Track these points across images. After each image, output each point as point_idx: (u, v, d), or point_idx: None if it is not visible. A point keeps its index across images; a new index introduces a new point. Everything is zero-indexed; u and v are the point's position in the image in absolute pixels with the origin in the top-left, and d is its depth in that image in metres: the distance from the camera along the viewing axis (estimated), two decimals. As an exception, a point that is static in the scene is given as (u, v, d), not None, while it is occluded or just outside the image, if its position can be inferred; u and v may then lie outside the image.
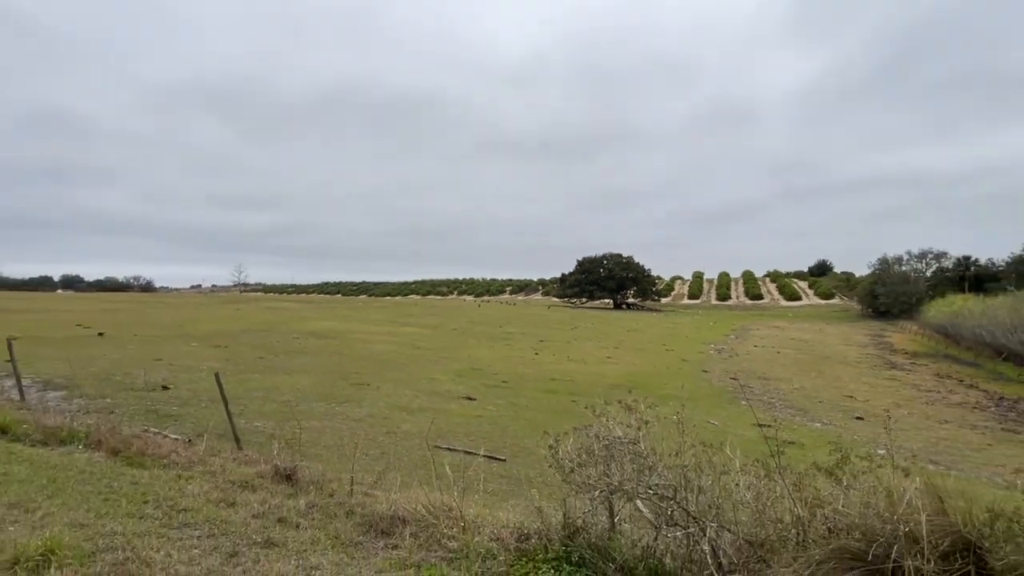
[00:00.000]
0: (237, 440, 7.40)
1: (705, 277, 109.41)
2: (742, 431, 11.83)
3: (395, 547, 4.09)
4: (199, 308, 45.35)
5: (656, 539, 3.42)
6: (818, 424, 15.02)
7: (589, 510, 3.71)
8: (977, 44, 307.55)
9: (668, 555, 3.36)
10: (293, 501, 4.95)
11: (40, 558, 3.30)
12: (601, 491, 3.52)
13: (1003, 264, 67.43)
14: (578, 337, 35.72)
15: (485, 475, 6.12)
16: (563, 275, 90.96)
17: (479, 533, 4.13)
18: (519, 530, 4.05)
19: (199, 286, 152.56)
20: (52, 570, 3.21)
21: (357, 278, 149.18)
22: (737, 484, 3.33)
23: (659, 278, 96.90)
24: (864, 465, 3.06)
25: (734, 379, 21.32)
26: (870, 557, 2.54)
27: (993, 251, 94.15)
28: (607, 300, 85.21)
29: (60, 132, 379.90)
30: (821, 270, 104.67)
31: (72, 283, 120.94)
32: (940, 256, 73.77)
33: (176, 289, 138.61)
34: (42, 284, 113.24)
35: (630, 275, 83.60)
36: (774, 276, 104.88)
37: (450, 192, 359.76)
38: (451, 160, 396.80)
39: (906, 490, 2.68)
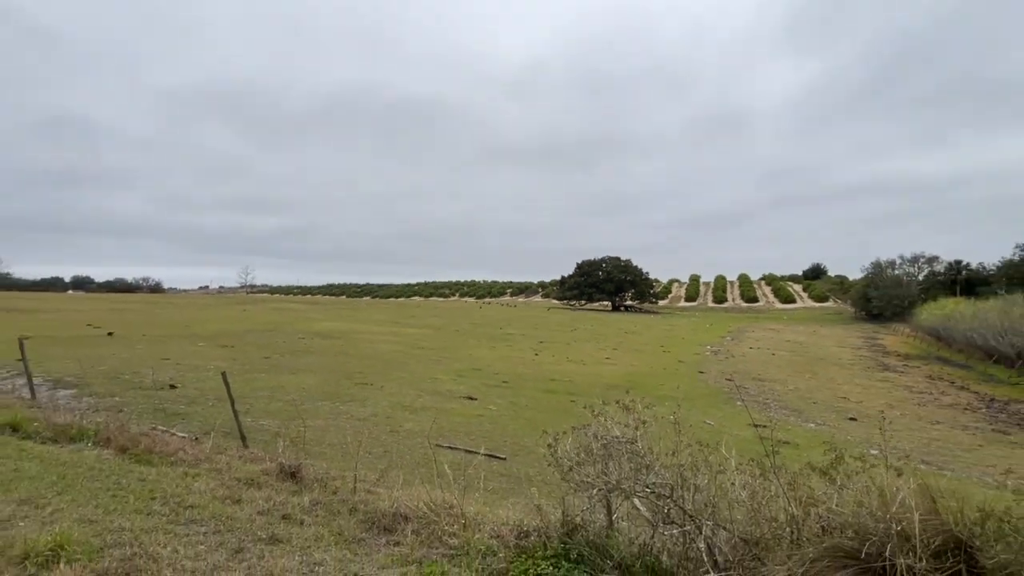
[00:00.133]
0: (243, 438, 7.49)
1: (702, 280, 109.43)
2: (737, 431, 11.84)
3: (397, 544, 4.14)
4: (206, 309, 45.73)
5: (653, 537, 3.46)
6: (812, 424, 14.97)
7: (587, 508, 3.74)
8: (967, 54, 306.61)
9: (665, 552, 3.40)
10: (297, 498, 5.02)
11: (49, 553, 3.36)
12: (599, 489, 3.55)
13: (993, 268, 67.41)
14: (577, 338, 35.75)
15: (485, 473, 6.18)
16: (563, 278, 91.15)
17: (479, 530, 4.18)
18: (519, 527, 4.08)
19: (207, 287, 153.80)
20: (61, 565, 3.27)
21: (361, 280, 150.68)
22: (733, 483, 3.35)
23: (657, 281, 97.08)
24: (857, 465, 3.08)
25: (730, 380, 21.29)
26: (863, 555, 2.56)
27: (984, 255, 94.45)
28: (606, 302, 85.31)
29: (73, 137, 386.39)
30: (815, 274, 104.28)
31: (82, 284, 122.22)
32: (932, 260, 74.03)
33: (184, 290, 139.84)
34: (53, 285, 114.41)
35: (628, 278, 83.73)
36: (769, 279, 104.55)
37: (452, 197, 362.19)
38: (453, 165, 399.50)
39: (899, 490, 2.70)
